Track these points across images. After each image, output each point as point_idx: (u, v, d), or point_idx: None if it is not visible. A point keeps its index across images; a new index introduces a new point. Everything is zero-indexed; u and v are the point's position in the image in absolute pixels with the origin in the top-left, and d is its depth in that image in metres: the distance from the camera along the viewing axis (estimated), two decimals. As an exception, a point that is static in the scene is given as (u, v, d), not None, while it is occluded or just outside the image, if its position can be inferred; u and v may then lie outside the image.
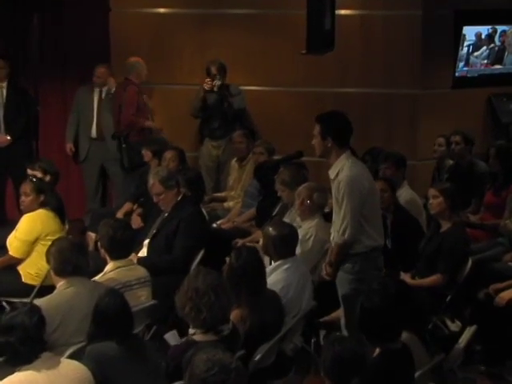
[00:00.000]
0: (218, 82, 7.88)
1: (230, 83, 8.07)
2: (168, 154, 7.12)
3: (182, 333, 4.41)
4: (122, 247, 5.14)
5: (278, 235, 5.15)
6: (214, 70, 7.94)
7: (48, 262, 4.83)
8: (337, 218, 5.01)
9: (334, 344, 3.66)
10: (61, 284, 4.70)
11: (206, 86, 7.92)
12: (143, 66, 8.06)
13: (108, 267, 5.15)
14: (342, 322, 5.11)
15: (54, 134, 8.59)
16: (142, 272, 5.24)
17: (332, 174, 5.01)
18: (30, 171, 6.50)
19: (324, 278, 5.29)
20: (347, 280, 5.03)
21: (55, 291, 4.72)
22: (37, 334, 3.75)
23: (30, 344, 3.71)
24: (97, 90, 8.29)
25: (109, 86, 8.23)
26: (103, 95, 8.29)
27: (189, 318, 4.09)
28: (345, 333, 5.03)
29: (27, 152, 8.14)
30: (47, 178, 6.45)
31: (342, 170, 4.96)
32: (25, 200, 6.00)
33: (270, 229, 5.22)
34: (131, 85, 7.99)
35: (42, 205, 5.97)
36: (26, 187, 6.02)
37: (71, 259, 4.68)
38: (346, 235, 4.93)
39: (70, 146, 8.40)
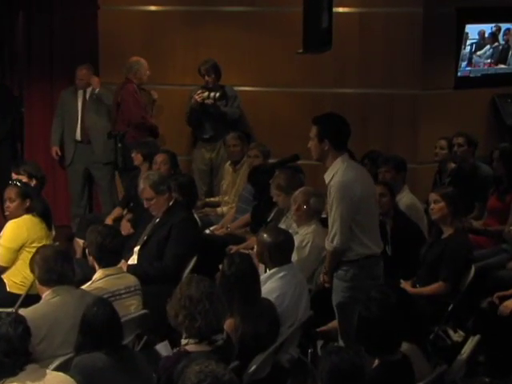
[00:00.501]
0: (214, 94, 7.80)
1: (226, 85, 8.02)
2: (159, 158, 7.07)
3: (174, 343, 4.33)
4: (110, 255, 5.07)
5: (272, 242, 5.07)
6: (203, 70, 7.88)
7: (32, 271, 4.76)
8: (330, 224, 4.96)
9: (331, 355, 3.58)
10: (46, 294, 4.62)
11: (198, 99, 7.79)
12: (142, 66, 8.01)
13: (96, 275, 5.08)
14: (338, 331, 5.04)
15: (40, 136, 8.54)
16: (131, 280, 5.16)
17: (327, 177, 4.95)
18: (14, 175, 6.44)
19: (322, 286, 5.23)
20: (341, 288, 4.98)
21: (41, 301, 4.65)
22: (21, 346, 3.67)
23: (14, 356, 3.64)
24: (80, 92, 8.23)
25: (93, 86, 8.16)
26: (87, 96, 8.20)
27: (182, 326, 4.02)
28: (341, 342, 4.98)
29: (12, 155, 8.04)
30: (33, 183, 6.41)
31: (336, 174, 4.90)
32: (10, 206, 5.92)
33: (265, 235, 5.15)
34: (128, 84, 7.98)
35: (28, 210, 5.88)
36: (11, 192, 5.93)
37: (56, 268, 4.60)
38: (334, 242, 4.88)
39: (55, 150, 8.35)
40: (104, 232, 5.06)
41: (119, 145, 7.92)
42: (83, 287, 4.92)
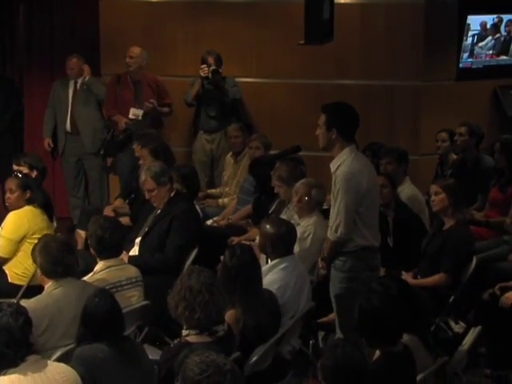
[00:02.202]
0: (212, 67, 7.70)
1: (227, 76, 7.96)
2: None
3: (175, 334, 4.34)
4: (110, 248, 5.05)
5: (275, 233, 5.05)
6: (211, 60, 7.81)
7: (35, 261, 4.73)
8: (332, 213, 4.92)
9: (336, 349, 3.55)
10: (49, 285, 4.61)
11: (203, 73, 7.77)
12: (127, 56, 7.89)
13: (97, 267, 5.07)
14: (336, 322, 5.03)
15: (40, 127, 8.47)
16: (133, 272, 5.16)
17: (333, 166, 4.91)
18: (15, 167, 6.41)
19: (323, 277, 5.23)
20: (338, 278, 4.95)
21: (43, 292, 4.63)
22: (23, 337, 3.65)
23: (15, 347, 3.61)
24: (72, 83, 8.16)
25: (84, 74, 8.09)
26: (78, 87, 8.14)
27: (182, 318, 4.01)
28: (339, 333, 4.96)
29: (13, 146, 8.01)
30: (34, 174, 6.37)
31: (342, 164, 4.85)
32: (10, 197, 5.91)
33: (267, 226, 5.13)
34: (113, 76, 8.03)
35: (29, 201, 5.87)
36: (12, 183, 5.92)
37: (61, 260, 4.58)
38: (338, 232, 4.85)
39: (48, 141, 8.27)
40: (105, 225, 5.03)
41: (108, 135, 7.98)
42: (84, 279, 4.90)
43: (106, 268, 5.00)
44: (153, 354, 4.40)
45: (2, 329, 3.60)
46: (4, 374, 3.58)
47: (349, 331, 4.48)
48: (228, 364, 3.09)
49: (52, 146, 8.24)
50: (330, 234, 4.91)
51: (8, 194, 5.90)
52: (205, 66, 7.75)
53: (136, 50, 7.90)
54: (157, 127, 7.94)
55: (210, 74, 7.74)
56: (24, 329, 3.65)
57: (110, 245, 5.02)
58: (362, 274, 4.85)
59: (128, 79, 7.97)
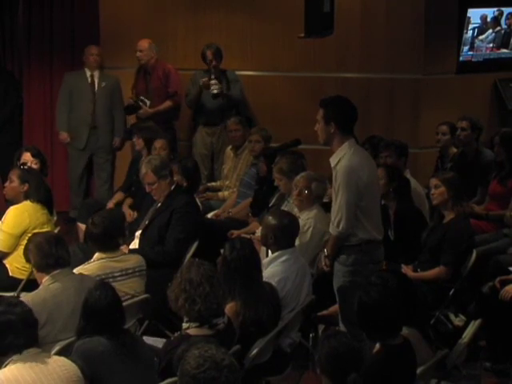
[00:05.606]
0: (214, 91, 7.67)
1: (227, 69, 7.94)
2: (158, 144, 6.98)
3: (175, 327, 4.35)
4: (105, 241, 5.06)
5: (277, 225, 5.04)
6: (209, 54, 7.79)
7: (28, 260, 4.77)
8: (334, 208, 4.91)
9: (329, 339, 3.58)
10: (45, 279, 4.62)
11: (205, 88, 7.74)
12: (137, 50, 7.93)
13: (94, 258, 5.08)
14: (339, 315, 5.03)
15: (39, 121, 8.46)
16: (130, 263, 5.14)
17: (333, 161, 4.90)
18: (24, 158, 6.40)
19: (322, 270, 5.19)
20: (342, 272, 4.95)
21: (40, 287, 4.64)
22: (23, 329, 3.63)
23: (16, 339, 3.59)
24: (89, 75, 8.02)
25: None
26: (96, 80, 8.06)
27: (183, 310, 4.02)
28: (342, 326, 4.96)
29: (13, 140, 7.98)
30: (36, 164, 6.37)
31: (342, 158, 4.84)
32: (7, 186, 5.94)
33: (270, 218, 5.12)
34: None
35: (26, 195, 5.86)
36: (13, 173, 5.94)
37: (51, 252, 4.59)
38: (340, 227, 4.84)
39: (65, 135, 8.14)
40: (98, 219, 5.06)
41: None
42: (78, 268, 4.91)
43: (99, 259, 5.01)
44: (155, 343, 4.39)
45: (3, 321, 3.60)
46: (4, 366, 3.58)
47: (352, 324, 4.48)
48: (226, 359, 3.07)
49: (68, 140, 8.11)
50: (332, 229, 4.90)
51: (7, 183, 5.94)
52: (214, 82, 7.65)
53: (144, 44, 7.91)
54: (170, 120, 7.97)
55: (212, 93, 7.67)
56: (25, 321, 3.63)
57: (105, 238, 5.02)
58: (365, 267, 4.85)
59: (142, 71, 8.02)
